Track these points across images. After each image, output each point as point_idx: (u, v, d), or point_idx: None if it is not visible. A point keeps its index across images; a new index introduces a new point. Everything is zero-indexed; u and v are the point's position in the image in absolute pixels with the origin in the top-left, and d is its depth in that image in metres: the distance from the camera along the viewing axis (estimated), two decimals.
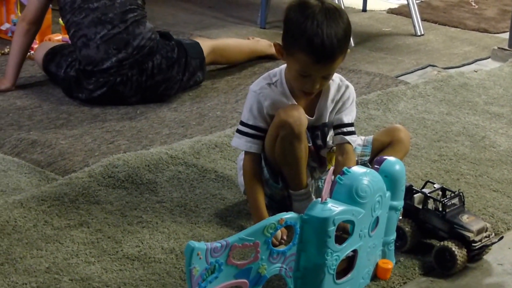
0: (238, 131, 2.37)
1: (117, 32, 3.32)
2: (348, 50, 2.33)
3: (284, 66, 2.36)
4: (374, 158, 2.47)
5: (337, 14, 2.24)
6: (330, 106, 2.39)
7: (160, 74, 3.37)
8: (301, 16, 2.22)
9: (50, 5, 3.57)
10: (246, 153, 2.38)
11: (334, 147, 2.45)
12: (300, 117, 2.28)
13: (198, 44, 3.59)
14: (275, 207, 2.41)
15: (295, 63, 2.25)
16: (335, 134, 2.41)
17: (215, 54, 3.71)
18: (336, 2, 4.34)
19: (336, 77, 2.40)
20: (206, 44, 3.65)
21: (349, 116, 2.41)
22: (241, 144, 2.36)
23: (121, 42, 3.32)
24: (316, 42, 2.19)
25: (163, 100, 3.44)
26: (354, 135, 2.42)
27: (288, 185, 2.40)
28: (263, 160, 2.39)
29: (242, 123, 2.37)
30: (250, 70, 3.87)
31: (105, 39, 3.31)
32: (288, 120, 2.26)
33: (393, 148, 2.49)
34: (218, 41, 3.84)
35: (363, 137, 2.54)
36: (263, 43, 3.97)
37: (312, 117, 2.37)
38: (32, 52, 3.76)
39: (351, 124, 2.41)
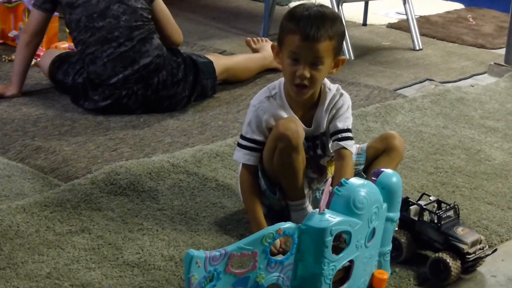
0: (238, 144, 2.41)
1: (123, 51, 3.33)
2: (344, 58, 2.38)
3: (283, 79, 2.40)
4: (368, 166, 2.51)
5: (332, 15, 2.34)
6: (325, 114, 2.42)
7: (164, 90, 3.38)
8: (293, 9, 2.34)
9: (58, 13, 3.59)
10: (243, 165, 2.41)
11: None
12: (298, 130, 2.31)
13: (211, 63, 3.59)
14: (273, 217, 2.43)
15: (286, 50, 2.31)
16: (332, 141, 2.43)
17: (228, 73, 3.73)
18: None
19: (333, 87, 2.43)
20: (220, 63, 3.65)
21: (344, 122, 2.42)
22: (240, 157, 2.40)
23: (127, 60, 3.33)
24: (303, 22, 2.27)
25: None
26: (350, 140, 2.42)
27: (286, 195, 2.43)
28: (260, 172, 2.42)
29: (241, 137, 2.41)
30: (252, 81, 3.89)
31: (112, 57, 3.33)
32: (286, 133, 2.30)
33: (387, 155, 2.51)
34: (231, 60, 3.82)
35: (357, 145, 2.55)
36: (269, 58, 3.97)
37: (310, 127, 2.40)
38: (38, 59, 3.80)
39: (346, 130, 2.42)
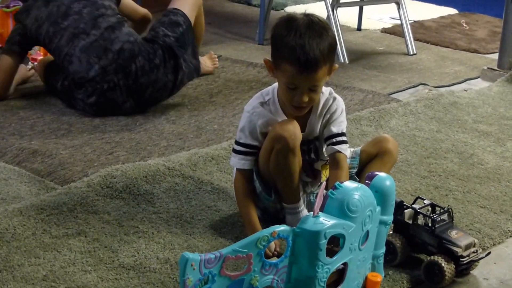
0: (233, 150, 2.42)
1: (93, 40, 3.38)
2: (336, 66, 2.37)
3: (276, 84, 2.40)
4: (362, 169, 2.52)
5: (321, 27, 2.29)
6: (319, 119, 2.43)
7: (144, 76, 3.39)
8: (285, 29, 2.28)
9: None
10: (238, 169, 2.42)
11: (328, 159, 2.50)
12: (295, 132, 2.32)
13: (184, 32, 3.53)
14: (268, 219, 2.44)
15: (282, 76, 2.30)
16: (327, 146, 2.44)
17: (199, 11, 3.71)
18: (332, 20, 4.43)
19: (326, 91, 2.44)
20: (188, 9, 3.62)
21: (338, 126, 2.43)
22: (235, 162, 2.41)
23: (99, 49, 3.37)
24: (298, 52, 2.24)
25: (156, 104, 3.49)
26: (345, 144, 2.43)
27: (282, 198, 2.44)
28: (255, 174, 2.43)
29: (236, 142, 2.43)
30: (247, 85, 3.92)
31: (84, 49, 3.37)
32: (283, 134, 2.30)
33: (381, 158, 2.52)
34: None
35: (351, 149, 2.56)
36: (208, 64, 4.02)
37: (304, 131, 2.41)
38: (34, 63, 3.83)
39: (341, 134, 2.42)
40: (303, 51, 2.24)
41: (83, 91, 3.38)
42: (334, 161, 2.41)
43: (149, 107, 3.49)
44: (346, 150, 2.43)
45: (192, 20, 3.58)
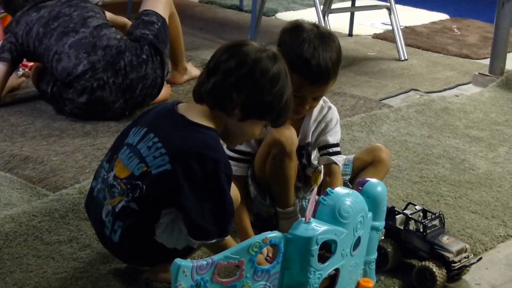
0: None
1: (82, 37, 3.41)
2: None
3: None
4: (355, 177, 2.53)
5: (331, 38, 2.32)
6: (312, 126, 2.45)
7: (133, 72, 3.41)
8: (296, 39, 2.30)
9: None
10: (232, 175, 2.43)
11: (319, 167, 2.51)
12: (292, 137, 2.34)
13: (160, 29, 3.55)
14: (261, 225, 2.45)
15: None
16: (321, 155, 2.46)
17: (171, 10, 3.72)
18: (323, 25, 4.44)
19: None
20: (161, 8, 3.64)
21: (334, 136, 2.46)
22: None
23: (88, 46, 3.40)
24: (313, 64, 2.27)
25: (146, 103, 3.49)
26: (340, 155, 2.48)
27: (276, 203, 2.45)
28: (250, 178, 2.44)
29: (228, 148, 2.43)
30: None
31: (73, 46, 3.39)
32: (280, 139, 2.32)
33: (374, 167, 2.54)
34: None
35: (344, 156, 2.58)
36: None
37: (297, 137, 2.41)
38: (26, 69, 3.83)
39: (336, 145, 2.46)
40: (318, 65, 2.27)
41: (73, 90, 3.39)
42: (330, 173, 2.45)
43: (139, 106, 3.49)
44: (340, 162, 2.47)
45: (165, 17, 3.61)
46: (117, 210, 2.06)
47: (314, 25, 2.35)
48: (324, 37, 2.31)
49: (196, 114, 2.09)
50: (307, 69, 2.27)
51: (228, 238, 2.08)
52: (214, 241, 2.04)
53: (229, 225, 2.07)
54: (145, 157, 2.06)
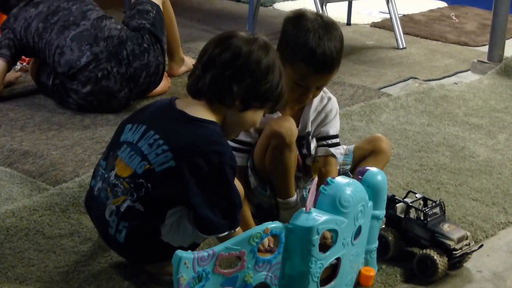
0: None
1: (83, 30, 3.42)
2: None
3: None
4: (355, 167, 2.53)
5: (334, 28, 2.33)
6: (312, 115, 2.45)
7: (136, 61, 3.42)
8: (301, 29, 2.31)
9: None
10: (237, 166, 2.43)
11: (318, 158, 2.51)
12: (291, 128, 2.34)
13: (158, 13, 3.57)
14: (262, 216, 2.45)
15: (294, 73, 2.31)
16: (320, 146, 2.47)
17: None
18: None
19: None
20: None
21: (334, 128, 2.47)
22: None
23: (90, 37, 3.40)
24: (319, 53, 2.27)
25: (150, 91, 3.53)
26: (338, 147, 2.48)
27: (277, 193, 2.45)
28: (250, 169, 2.44)
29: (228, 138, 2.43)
30: None
31: (75, 39, 3.39)
32: (280, 130, 2.32)
33: (374, 157, 2.54)
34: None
35: (345, 146, 2.59)
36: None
37: (297, 127, 2.41)
38: (24, 64, 3.83)
39: (336, 136, 2.47)
40: (323, 54, 2.28)
41: (77, 82, 3.39)
42: (326, 164, 2.46)
43: (143, 94, 3.52)
44: (339, 154, 2.49)
45: (159, 4, 3.62)
46: (122, 210, 2.06)
47: (317, 14, 2.36)
48: (328, 26, 2.32)
49: (196, 109, 2.09)
50: (313, 59, 2.28)
51: (239, 230, 2.09)
52: (226, 233, 2.04)
53: (239, 215, 2.08)
54: (147, 154, 2.05)
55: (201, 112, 2.09)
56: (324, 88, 2.47)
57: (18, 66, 3.86)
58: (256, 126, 2.22)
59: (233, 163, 2.06)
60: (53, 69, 3.46)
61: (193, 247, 2.10)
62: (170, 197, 2.04)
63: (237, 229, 2.08)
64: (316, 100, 2.45)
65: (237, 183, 2.11)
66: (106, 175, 2.13)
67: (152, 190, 2.03)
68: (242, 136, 2.39)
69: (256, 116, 2.16)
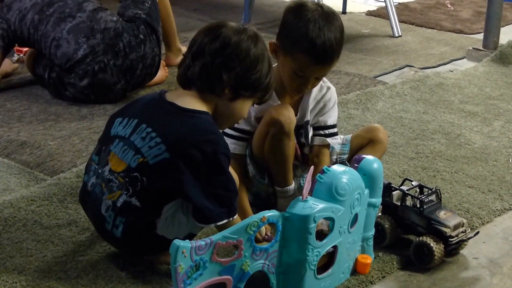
0: (224, 133, 2.43)
1: (79, 22, 3.40)
2: None
3: None
4: (352, 156, 2.53)
5: (335, 18, 2.32)
6: (311, 104, 2.45)
7: (132, 52, 3.42)
8: (301, 19, 2.30)
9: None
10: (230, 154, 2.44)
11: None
12: (290, 116, 2.34)
13: (153, 3, 3.55)
14: (260, 204, 2.46)
15: (293, 63, 2.31)
16: (316, 135, 2.47)
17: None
18: None
19: None
20: None
21: (332, 117, 2.48)
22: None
23: (87, 30, 3.39)
24: (319, 44, 2.27)
25: (147, 82, 3.53)
26: (336, 136, 2.49)
27: (275, 182, 2.46)
28: (248, 158, 2.45)
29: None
30: None
31: (71, 32, 3.38)
32: (279, 118, 2.32)
33: (371, 147, 2.55)
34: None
35: (342, 136, 2.59)
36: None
37: (296, 116, 2.42)
38: (21, 55, 3.83)
39: (333, 126, 2.48)
40: (323, 45, 2.27)
41: (74, 75, 3.39)
42: (318, 154, 2.47)
43: (139, 86, 3.52)
44: (336, 144, 2.50)
45: None
46: (118, 205, 2.07)
47: (318, 4, 2.35)
48: (329, 16, 2.31)
49: (186, 100, 2.10)
50: (313, 49, 2.27)
51: (237, 218, 2.10)
52: (224, 221, 2.05)
53: (235, 203, 2.09)
54: (140, 148, 2.06)
55: (191, 102, 2.10)
56: (324, 78, 2.47)
57: (16, 57, 3.86)
58: (244, 117, 2.22)
59: (227, 152, 2.07)
60: (49, 61, 3.46)
61: (189, 238, 2.10)
62: (166, 191, 2.04)
63: (235, 217, 2.08)
64: (315, 89, 2.45)
65: (231, 171, 2.12)
66: (99, 170, 2.13)
67: (147, 184, 2.04)
68: (241, 125, 2.39)
69: (244, 106, 2.17)
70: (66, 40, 3.38)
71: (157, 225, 2.07)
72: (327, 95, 2.47)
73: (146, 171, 2.04)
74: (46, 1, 3.46)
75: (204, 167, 2.02)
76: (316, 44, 2.27)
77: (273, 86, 2.20)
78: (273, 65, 2.41)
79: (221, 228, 2.02)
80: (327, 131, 2.47)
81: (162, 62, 3.74)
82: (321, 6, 2.34)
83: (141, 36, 3.45)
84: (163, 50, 3.75)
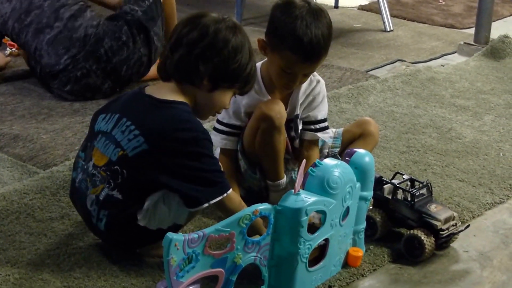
0: (215, 129, 2.45)
1: (57, 32, 3.36)
2: None
3: (259, 63, 2.41)
4: (344, 150, 2.54)
5: (323, 15, 2.32)
6: (301, 98, 2.46)
7: (115, 56, 3.38)
8: (289, 16, 2.29)
9: None
10: (221, 149, 2.45)
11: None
12: (281, 111, 2.35)
13: (155, 2, 3.49)
14: (252, 199, 2.44)
15: (281, 60, 2.31)
16: (307, 130, 2.48)
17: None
18: None
19: None
20: None
21: (322, 112, 2.48)
22: (217, 141, 2.43)
23: (65, 40, 3.35)
24: (306, 42, 2.26)
25: (136, 80, 3.49)
26: (327, 130, 2.50)
27: (266, 176, 2.47)
28: (240, 153, 2.46)
29: (218, 121, 2.44)
30: None
31: (50, 43, 3.35)
32: (269, 113, 2.33)
33: (363, 140, 2.56)
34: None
35: (333, 129, 2.60)
36: None
37: (286, 110, 2.42)
38: (13, 49, 3.82)
39: (324, 120, 2.48)
40: (310, 43, 2.26)
41: (58, 81, 3.39)
42: (308, 148, 2.48)
43: (129, 84, 3.50)
44: (327, 138, 2.50)
45: None
46: (101, 198, 2.08)
47: (305, 1, 2.34)
48: (316, 13, 2.30)
49: (164, 91, 2.11)
50: (300, 47, 2.27)
51: (235, 196, 2.14)
52: (219, 198, 2.06)
53: (225, 179, 2.09)
54: (120, 141, 2.07)
55: (169, 94, 2.10)
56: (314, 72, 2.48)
57: (8, 51, 3.85)
58: (226, 107, 2.22)
59: (207, 135, 2.08)
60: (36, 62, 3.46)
61: (174, 229, 2.11)
62: (147, 182, 2.05)
63: (229, 192, 2.09)
64: (305, 84, 2.45)
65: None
66: (85, 166, 2.15)
67: (127, 176, 2.05)
68: (232, 120, 2.40)
69: (225, 97, 2.16)
70: (46, 52, 3.36)
71: (138, 216, 2.07)
72: (316, 88, 2.47)
73: (126, 164, 2.05)
74: (24, 8, 3.40)
75: (185, 155, 2.03)
76: (303, 41, 2.26)
77: (255, 77, 2.20)
78: (263, 61, 2.43)
79: (222, 209, 2.05)
80: (317, 126, 2.48)
81: None
82: (308, 3, 2.33)
83: (124, 38, 3.38)
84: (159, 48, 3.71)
